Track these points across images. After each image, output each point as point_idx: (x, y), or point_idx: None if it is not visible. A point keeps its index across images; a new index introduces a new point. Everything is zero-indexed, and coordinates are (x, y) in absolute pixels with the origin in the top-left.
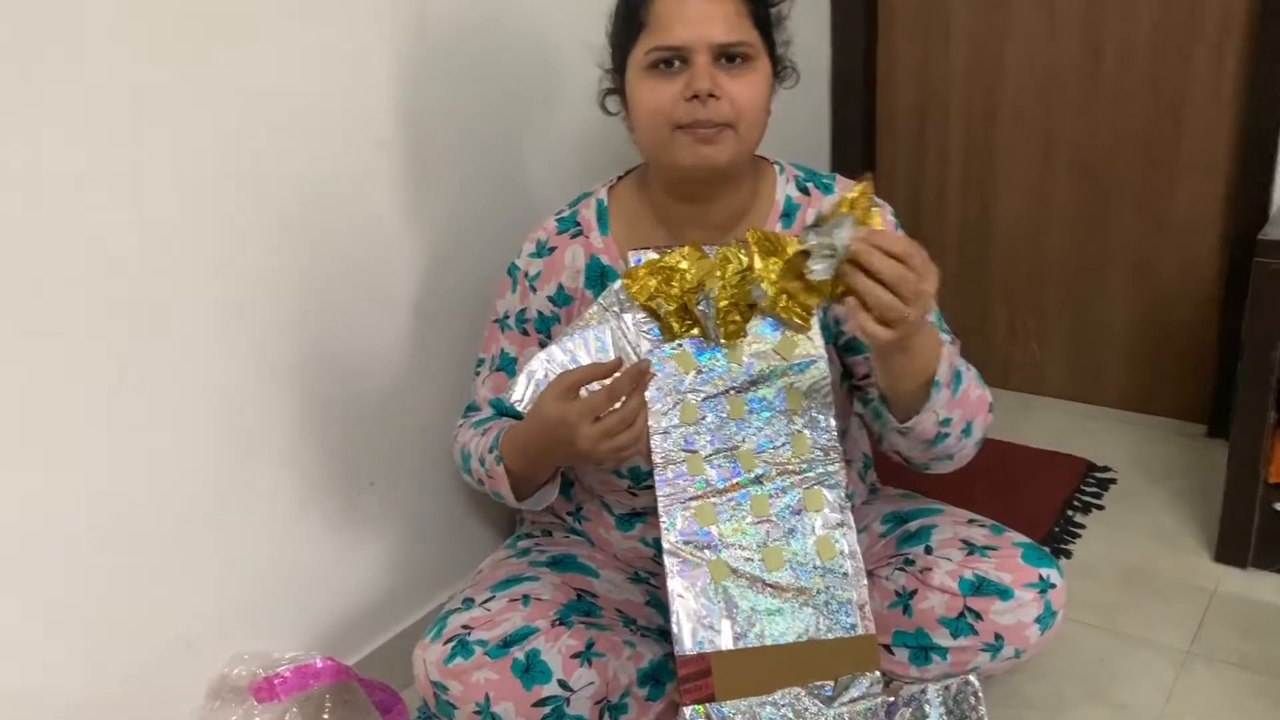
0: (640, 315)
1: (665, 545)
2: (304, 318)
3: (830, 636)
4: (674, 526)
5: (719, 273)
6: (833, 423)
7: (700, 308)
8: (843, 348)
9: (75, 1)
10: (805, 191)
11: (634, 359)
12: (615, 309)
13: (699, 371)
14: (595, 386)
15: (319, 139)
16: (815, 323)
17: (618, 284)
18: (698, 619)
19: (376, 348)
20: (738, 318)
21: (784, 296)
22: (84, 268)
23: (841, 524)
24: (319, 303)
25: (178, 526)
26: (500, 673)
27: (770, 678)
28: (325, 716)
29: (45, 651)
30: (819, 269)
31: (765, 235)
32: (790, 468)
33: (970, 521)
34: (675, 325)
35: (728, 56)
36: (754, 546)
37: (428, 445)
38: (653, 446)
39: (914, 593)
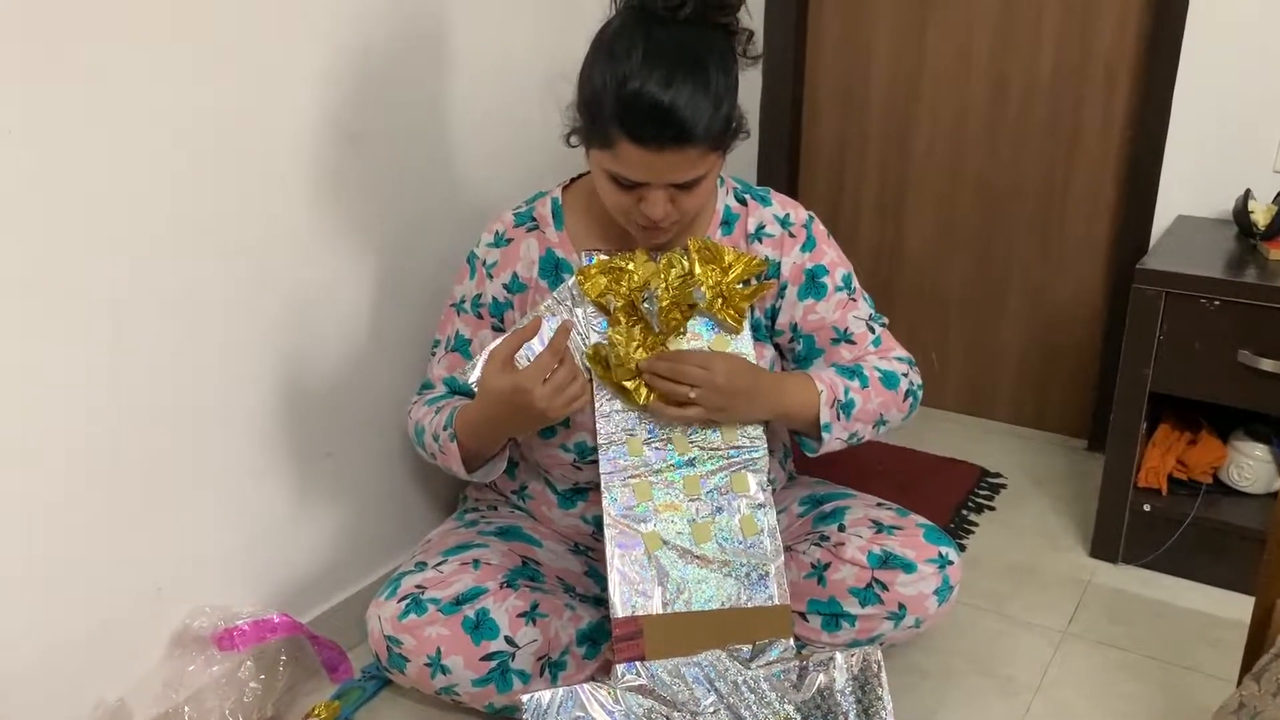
0: (590, 309)
1: (606, 518)
2: (269, 295)
3: (750, 605)
4: (615, 500)
5: (662, 275)
6: None
7: (645, 305)
8: (796, 356)
9: None
10: (743, 203)
11: (584, 349)
12: (568, 303)
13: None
14: (525, 356)
15: (287, 126)
16: (747, 325)
17: (571, 280)
18: (632, 585)
19: (338, 328)
20: (678, 316)
21: (720, 300)
22: (68, 241)
23: (763, 505)
24: (285, 281)
25: (147, 484)
26: (451, 628)
27: (695, 641)
28: (280, 669)
29: (20, 597)
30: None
31: (705, 244)
32: (719, 452)
33: (879, 505)
34: (622, 319)
35: (680, 185)
36: (685, 522)
37: (384, 421)
38: (597, 428)
39: (828, 565)
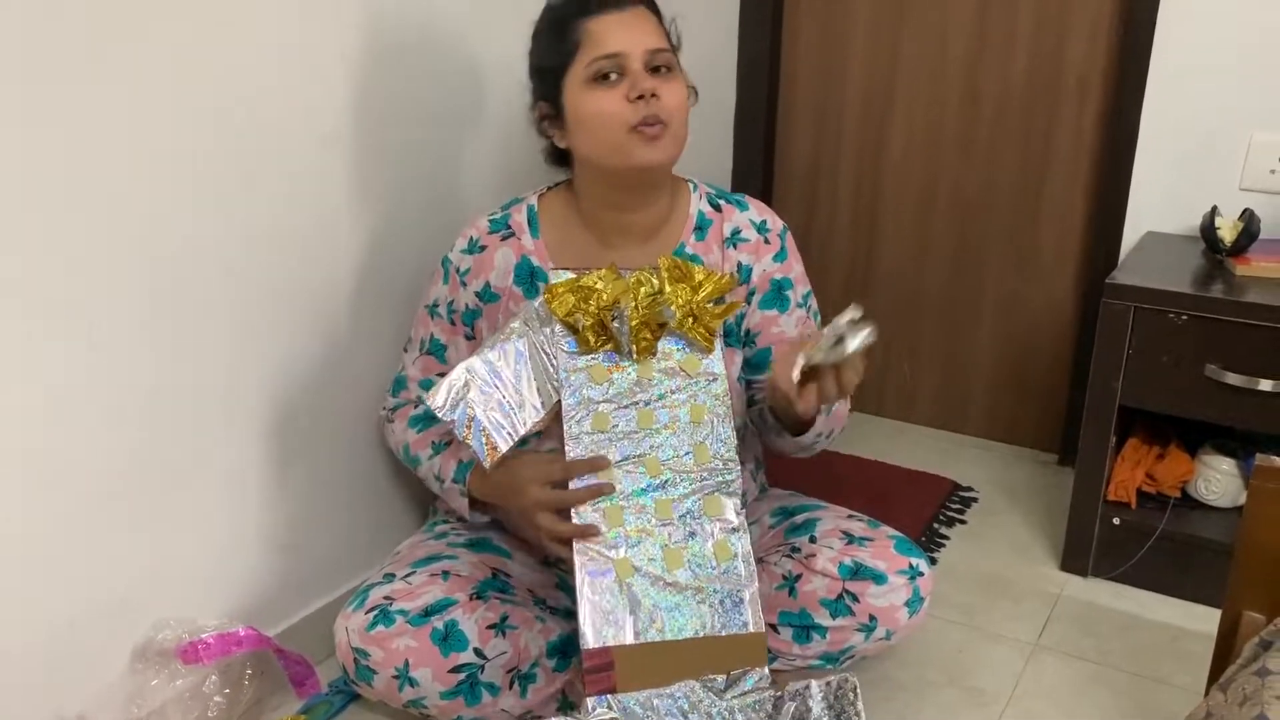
0: (559, 329)
1: (576, 544)
2: (240, 303)
3: (724, 634)
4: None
5: (632, 294)
6: (732, 435)
7: (615, 324)
8: (747, 362)
9: None
10: (717, 208)
11: (551, 369)
12: (535, 323)
13: (611, 383)
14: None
15: (271, 128)
16: (718, 344)
17: (538, 300)
18: (603, 614)
19: (310, 337)
20: (649, 335)
21: (690, 319)
22: (45, 246)
23: (737, 529)
24: (258, 288)
25: (112, 491)
26: (420, 640)
27: (668, 671)
28: (245, 683)
29: None
30: (819, 357)
31: (675, 263)
32: (692, 475)
33: (850, 516)
34: (592, 339)
35: (654, 67)
36: (657, 547)
37: (353, 433)
38: (567, 450)
39: (799, 576)
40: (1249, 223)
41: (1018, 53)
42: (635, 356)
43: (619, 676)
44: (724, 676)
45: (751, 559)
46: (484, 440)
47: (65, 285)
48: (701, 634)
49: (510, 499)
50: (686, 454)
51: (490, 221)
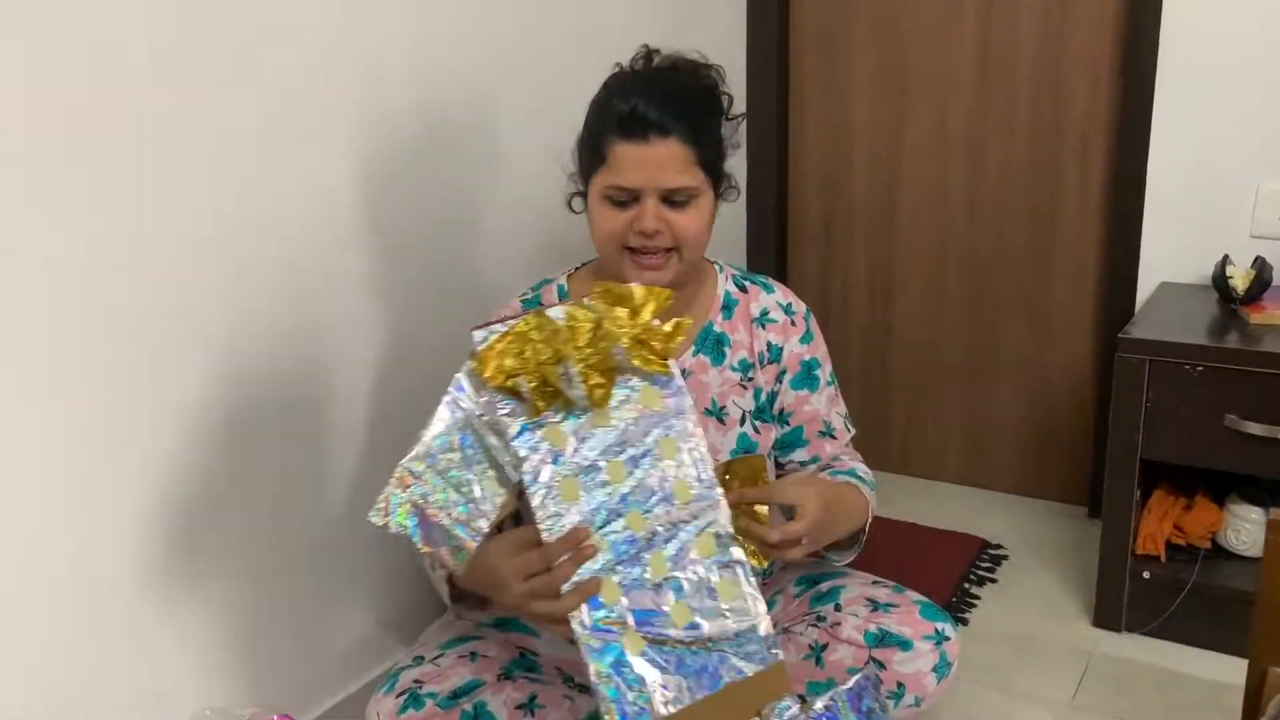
0: (497, 397)
1: (578, 633)
2: (272, 395)
3: (749, 673)
4: (579, 614)
5: (571, 344)
6: (707, 457)
7: (561, 378)
8: (779, 441)
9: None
10: (743, 289)
11: (499, 445)
12: (468, 397)
13: (570, 444)
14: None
15: (278, 232)
16: (674, 366)
17: (464, 370)
18: (625, 700)
19: (337, 425)
20: (601, 380)
21: (639, 347)
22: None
23: (735, 562)
24: (290, 374)
25: (146, 591)
26: None
27: None
28: None
29: (20, 710)
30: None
31: (607, 288)
32: (679, 518)
33: (874, 583)
34: (540, 403)
35: (673, 200)
36: (660, 608)
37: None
38: (541, 534)
39: (825, 646)
40: (1261, 270)
41: (1019, 114)
42: (593, 406)
43: None
44: (758, 718)
45: (756, 587)
46: (451, 544)
47: (93, 402)
48: (726, 682)
49: (495, 595)
50: (669, 496)
51: (524, 303)
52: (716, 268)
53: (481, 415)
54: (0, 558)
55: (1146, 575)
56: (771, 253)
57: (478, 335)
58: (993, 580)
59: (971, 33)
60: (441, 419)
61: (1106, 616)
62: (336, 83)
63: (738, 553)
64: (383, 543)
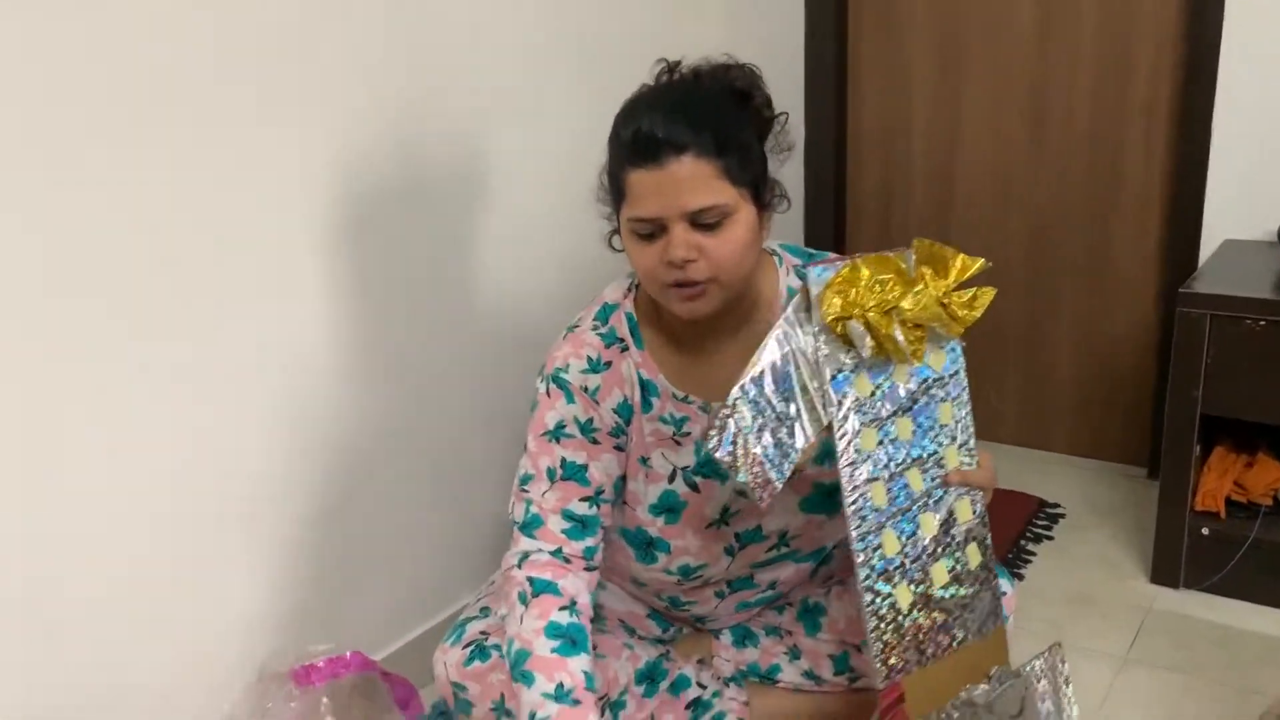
0: (822, 340)
1: (862, 582)
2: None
3: (985, 635)
4: (868, 562)
5: (895, 293)
6: (971, 426)
7: (887, 326)
8: None
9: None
10: (804, 278)
11: (816, 387)
12: (795, 332)
13: (879, 394)
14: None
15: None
16: (928, 351)
17: (793, 305)
18: (891, 650)
19: (411, 388)
20: (920, 333)
21: (940, 309)
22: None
23: (983, 525)
24: (357, 352)
25: (242, 522)
26: None
27: (944, 689)
28: (353, 705)
29: (121, 630)
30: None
31: (927, 245)
32: (948, 481)
33: None
34: (872, 348)
35: (702, 222)
36: (926, 566)
37: (447, 466)
38: (843, 478)
39: None
40: None
41: (1080, 75)
42: (907, 359)
43: (910, 707)
44: (985, 682)
45: (992, 552)
46: (757, 474)
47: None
48: (967, 641)
49: None
50: (941, 460)
51: (600, 336)
52: (776, 260)
53: (804, 352)
54: (110, 487)
55: (1205, 531)
56: (829, 219)
57: (813, 282)
58: (1049, 538)
59: (1030, 2)
60: (770, 352)
61: (1164, 573)
62: None
63: (984, 519)
64: (450, 484)
